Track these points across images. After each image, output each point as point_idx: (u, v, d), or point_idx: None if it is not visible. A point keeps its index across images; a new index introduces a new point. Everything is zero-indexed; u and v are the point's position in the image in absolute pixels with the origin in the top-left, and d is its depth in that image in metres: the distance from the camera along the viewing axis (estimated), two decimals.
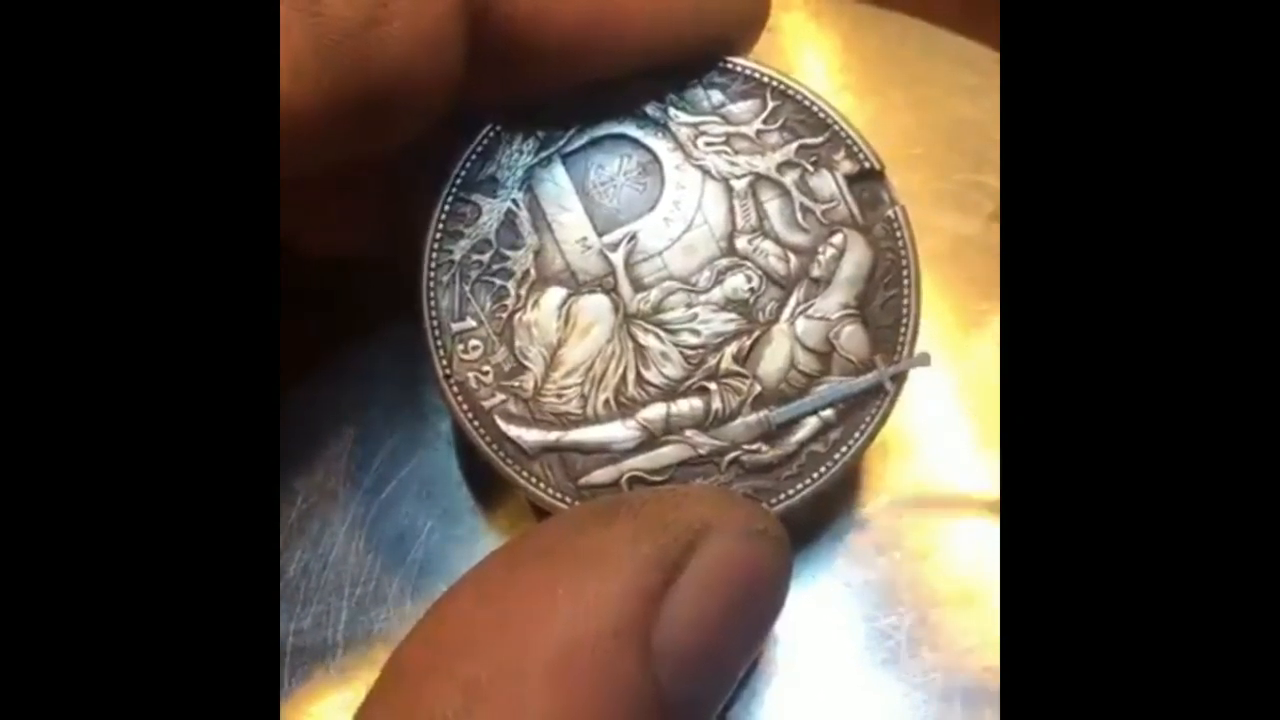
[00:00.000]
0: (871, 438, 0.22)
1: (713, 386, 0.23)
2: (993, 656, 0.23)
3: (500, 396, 0.23)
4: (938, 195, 0.26)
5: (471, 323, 0.23)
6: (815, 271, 0.23)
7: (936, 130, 0.28)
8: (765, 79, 0.23)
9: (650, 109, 0.23)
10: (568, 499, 0.23)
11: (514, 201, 0.24)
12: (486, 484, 0.24)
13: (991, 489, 0.25)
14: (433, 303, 0.23)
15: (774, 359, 0.23)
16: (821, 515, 0.25)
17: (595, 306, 0.23)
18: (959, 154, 0.28)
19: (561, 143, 0.24)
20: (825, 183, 0.23)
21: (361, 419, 0.26)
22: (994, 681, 0.23)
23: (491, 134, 0.23)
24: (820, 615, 0.24)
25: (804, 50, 0.30)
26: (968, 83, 0.29)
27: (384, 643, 0.24)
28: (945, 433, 0.25)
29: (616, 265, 0.23)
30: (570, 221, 0.23)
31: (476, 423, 0.23)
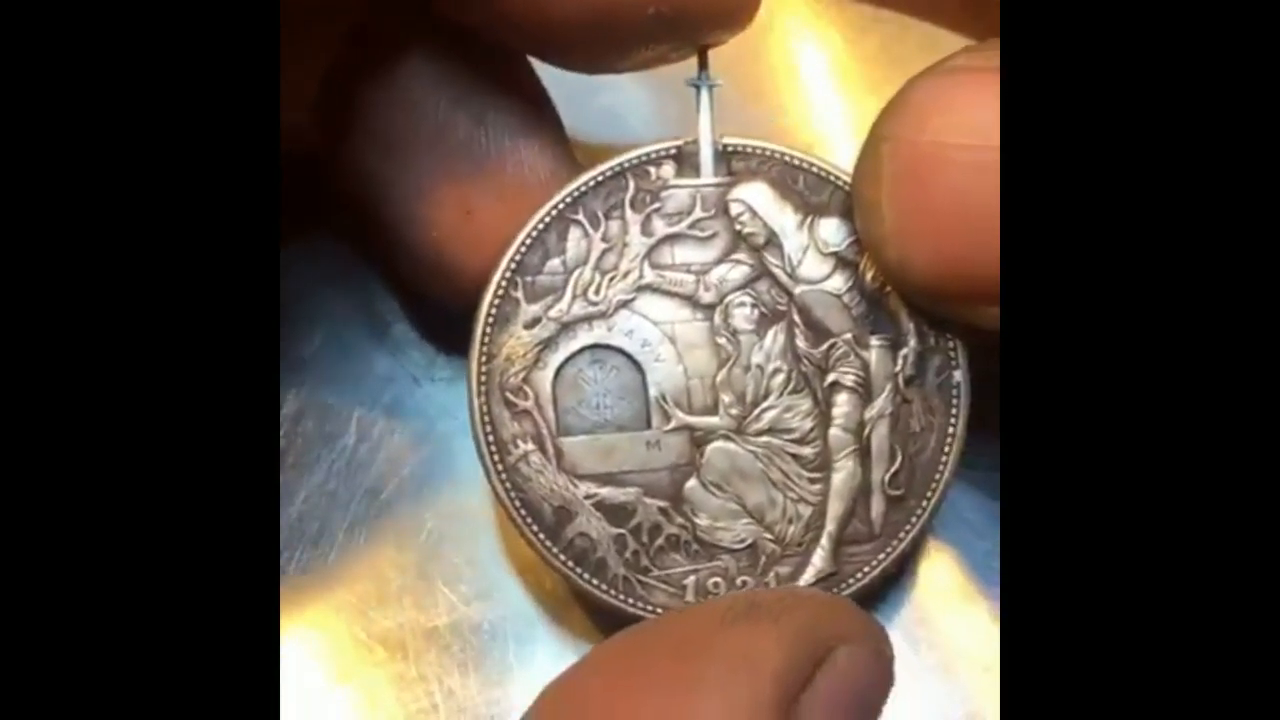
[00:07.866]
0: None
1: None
2: (993, 656, 0.23)
3: None
4: None
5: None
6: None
7: None
8: None
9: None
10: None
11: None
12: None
13: (992, 489, 0.25)
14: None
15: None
16: None
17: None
18: None
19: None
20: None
21: (361, 419, 0.26)
22: (994, 681, 0.23)
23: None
24: None
25: (804, 50, 0.30)
26: None
27: (383, 644, 0.24)
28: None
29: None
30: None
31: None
